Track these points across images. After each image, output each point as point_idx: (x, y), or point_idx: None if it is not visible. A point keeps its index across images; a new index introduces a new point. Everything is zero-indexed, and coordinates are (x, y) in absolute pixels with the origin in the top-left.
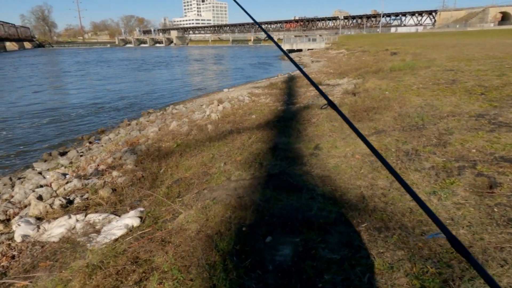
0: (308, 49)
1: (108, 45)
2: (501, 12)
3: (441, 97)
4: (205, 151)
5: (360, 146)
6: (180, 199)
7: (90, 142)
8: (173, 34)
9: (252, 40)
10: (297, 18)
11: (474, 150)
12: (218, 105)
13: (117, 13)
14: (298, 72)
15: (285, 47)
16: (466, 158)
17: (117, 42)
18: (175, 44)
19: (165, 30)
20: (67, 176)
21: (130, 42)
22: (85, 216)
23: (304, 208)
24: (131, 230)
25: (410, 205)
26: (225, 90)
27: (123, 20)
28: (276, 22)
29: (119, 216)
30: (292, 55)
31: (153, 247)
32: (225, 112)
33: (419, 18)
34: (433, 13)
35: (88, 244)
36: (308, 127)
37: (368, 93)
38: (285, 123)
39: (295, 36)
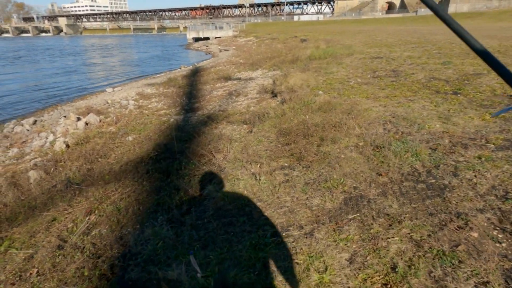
0: (216, 37)
1: None
2: (387, 2)
3: (403, 100)
4: None
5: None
6: None
7: None
8: (62, 21)
9: (156, 28)
10: (202, 5)
11: None
12: (78, 120)
13: None
14: (205, 62)
15: (191, 35)
16: None
17: None
18: (65, 33)
19: (52, 17)
20: None
21: (7, 32)
22: None
23: None
24: None
25: None
26: (109, 90)
27: None
28: (181, 9)
29: None
30: (199, 43)
31: None
32: (87, 132)
33: (319, 7)
34: (331, 2)
35: None
36: (213, 177)
37: (296, 93)
38: (169, 163)
39: (202, 24)
